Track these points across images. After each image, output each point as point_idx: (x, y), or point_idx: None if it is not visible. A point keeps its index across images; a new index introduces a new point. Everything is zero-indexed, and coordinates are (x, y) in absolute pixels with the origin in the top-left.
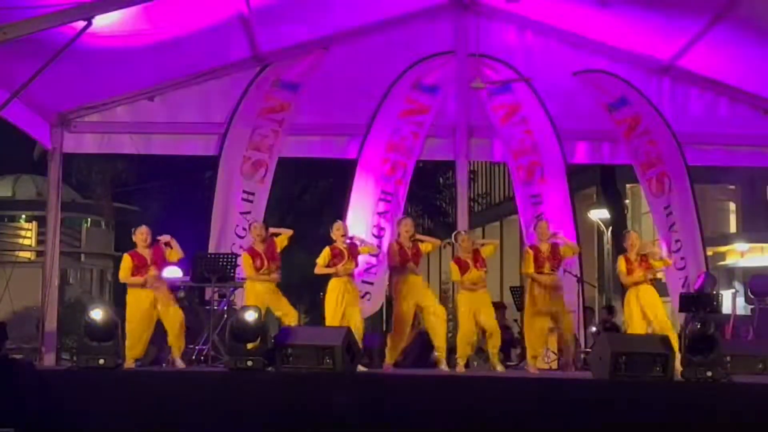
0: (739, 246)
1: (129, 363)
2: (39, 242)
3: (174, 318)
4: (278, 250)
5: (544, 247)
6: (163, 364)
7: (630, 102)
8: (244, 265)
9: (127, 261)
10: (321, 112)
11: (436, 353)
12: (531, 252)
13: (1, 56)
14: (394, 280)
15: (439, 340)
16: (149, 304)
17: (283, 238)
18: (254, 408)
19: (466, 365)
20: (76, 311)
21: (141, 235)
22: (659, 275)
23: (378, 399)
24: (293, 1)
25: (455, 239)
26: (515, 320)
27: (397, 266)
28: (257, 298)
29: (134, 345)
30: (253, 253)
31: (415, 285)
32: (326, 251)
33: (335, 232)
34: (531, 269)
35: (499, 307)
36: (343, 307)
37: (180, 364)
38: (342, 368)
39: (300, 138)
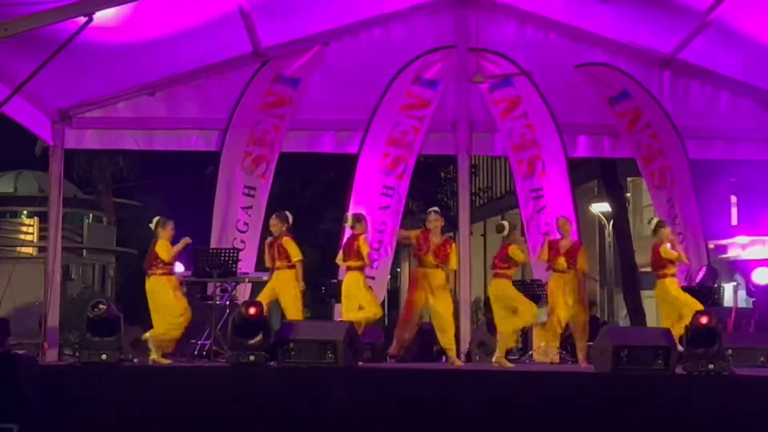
0: (741, 239)
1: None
2: (41, 238)
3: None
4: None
5: (563, 243)
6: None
7: (631, 95)
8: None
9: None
10: (322, 107)
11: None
12: (548, 242)
13: (2, 52)
14: (411, 268)
15: (447, 341)
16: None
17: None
18: (256, 403)
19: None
20: (79, 307)
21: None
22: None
23: (380, 393)
24: None
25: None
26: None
27: (416, 255)
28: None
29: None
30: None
31: (429, 278)
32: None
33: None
34: (545, 257)
35: None
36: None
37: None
38: (344, 363)
39: (301, 133)
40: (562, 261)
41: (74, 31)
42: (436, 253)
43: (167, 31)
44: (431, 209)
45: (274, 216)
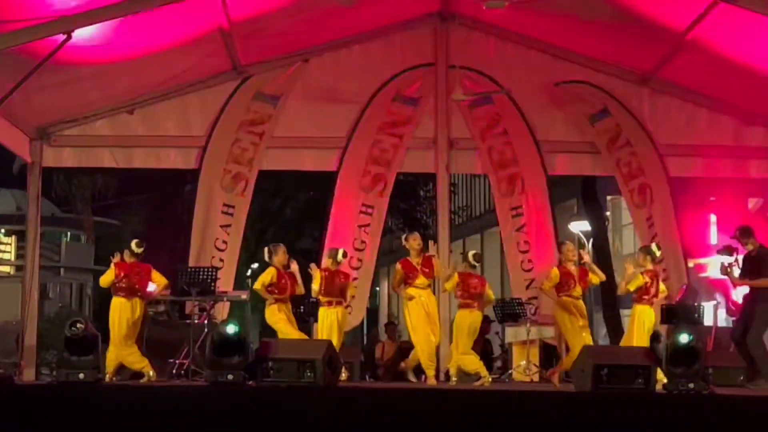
0: (720, 258)
1: None
2: (18, 256)
3: None
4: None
5: (572, 269)
6: (143, 378)
7: (611, 113)
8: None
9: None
10: (301, 125)
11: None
12: (558, 271)
13: None
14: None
15: (429, 362)
16: None
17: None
18: (234, 422)
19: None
20: (56, 326)
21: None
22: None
23: (359, 413)
24: (273, 13)
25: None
26: (496, 333)
27: (407, 283)
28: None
29: None
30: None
31: (424, 299)
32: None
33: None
34: (547, 287)
35: (484, 320)
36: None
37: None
38: (323, 382)
39: (280, 150)
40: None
41: (53, 49)
42: (425, 273)
43: (146, 48)
44: (412, 232)
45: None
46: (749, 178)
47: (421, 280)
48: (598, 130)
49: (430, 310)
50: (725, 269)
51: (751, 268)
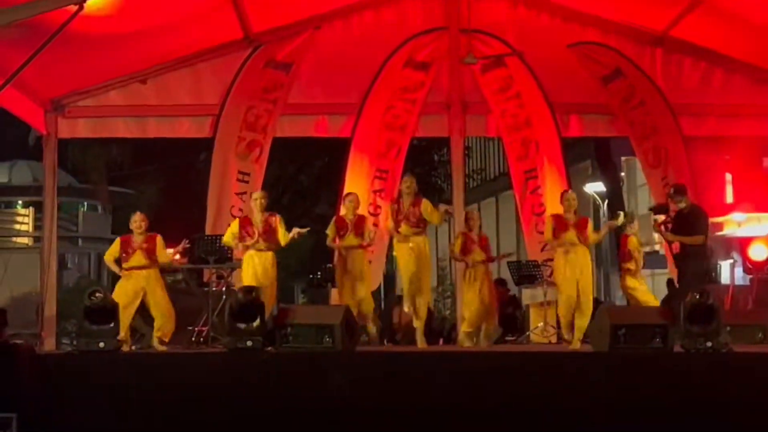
0: (736, 216)
1: None
2: (36, 228)
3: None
4: (277, 233)
5: (569, 216)
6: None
7: (624, 73)
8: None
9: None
10: (314, 92)
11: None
12: (551, 219)
13: None
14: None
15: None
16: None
17: (283, 233)
18: (254, 387)
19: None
20: (75, 296)
21: (134, 222)
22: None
23: (378, 376)
24: None
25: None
26: (513, 295)
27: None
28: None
29: None
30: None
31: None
32: None
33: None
34: (549, 235)
35: (500, 283)
36: None
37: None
38: (341, 346)
39: (294, 117)
40: (571, 235)
41: (65, 20)
42: (407, 218)
43: (158, 18)
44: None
45: (262, 191)
46: (764, 135)
47: (404, 227)
48: (611, 90)
49: (411, 257)
50: (659, 227)
51: (682, 225)
